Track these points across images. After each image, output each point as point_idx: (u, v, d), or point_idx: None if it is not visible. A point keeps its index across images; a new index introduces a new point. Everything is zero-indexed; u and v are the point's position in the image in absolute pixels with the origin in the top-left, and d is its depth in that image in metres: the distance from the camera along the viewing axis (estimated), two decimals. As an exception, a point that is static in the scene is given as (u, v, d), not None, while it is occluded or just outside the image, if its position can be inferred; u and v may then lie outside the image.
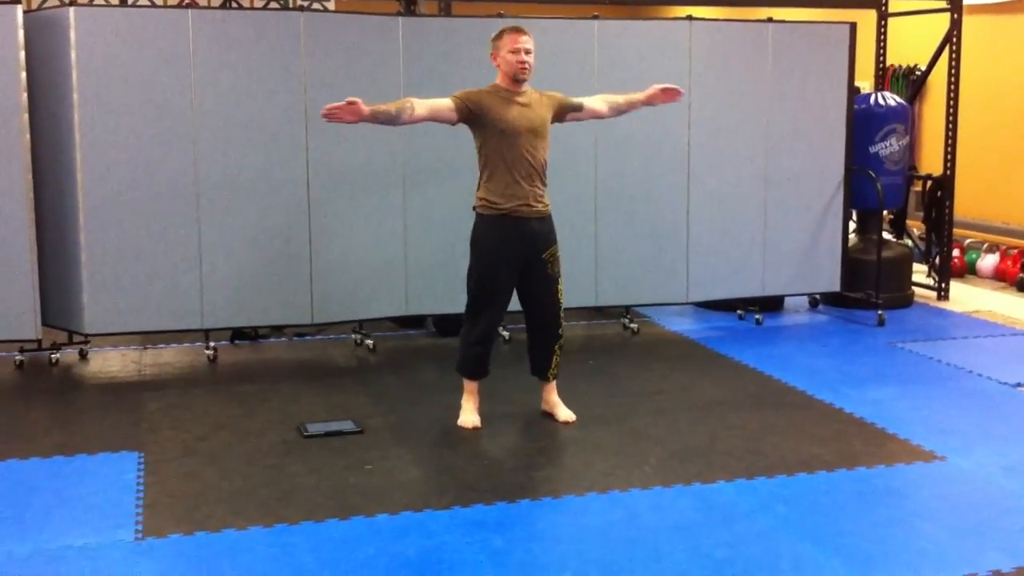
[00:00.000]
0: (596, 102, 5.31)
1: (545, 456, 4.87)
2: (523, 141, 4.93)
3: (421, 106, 4.90)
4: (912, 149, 8.70)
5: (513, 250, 5.00)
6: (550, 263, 5.08)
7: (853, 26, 7.43)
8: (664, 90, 5.37)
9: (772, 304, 7.73)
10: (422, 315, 6.95)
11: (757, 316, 7.43)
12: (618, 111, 5.43)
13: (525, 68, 4.92)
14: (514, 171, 4.93)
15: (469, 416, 5.16)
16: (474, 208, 5.06)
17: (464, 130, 5.08)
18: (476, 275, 5.06)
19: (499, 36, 4.97)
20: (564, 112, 5.18)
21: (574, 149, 6.72)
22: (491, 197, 4.96)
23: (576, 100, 5.23)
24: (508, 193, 4.93)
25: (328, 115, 4.76)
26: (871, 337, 7.03)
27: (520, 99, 4.96)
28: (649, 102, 5.43)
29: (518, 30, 4.95)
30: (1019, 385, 5.89)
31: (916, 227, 9.10)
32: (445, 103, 4.92)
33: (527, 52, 4.92)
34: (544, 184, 5.06)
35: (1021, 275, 8.81)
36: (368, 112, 4.77)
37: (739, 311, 7.55)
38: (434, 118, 4.97)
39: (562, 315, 5.18)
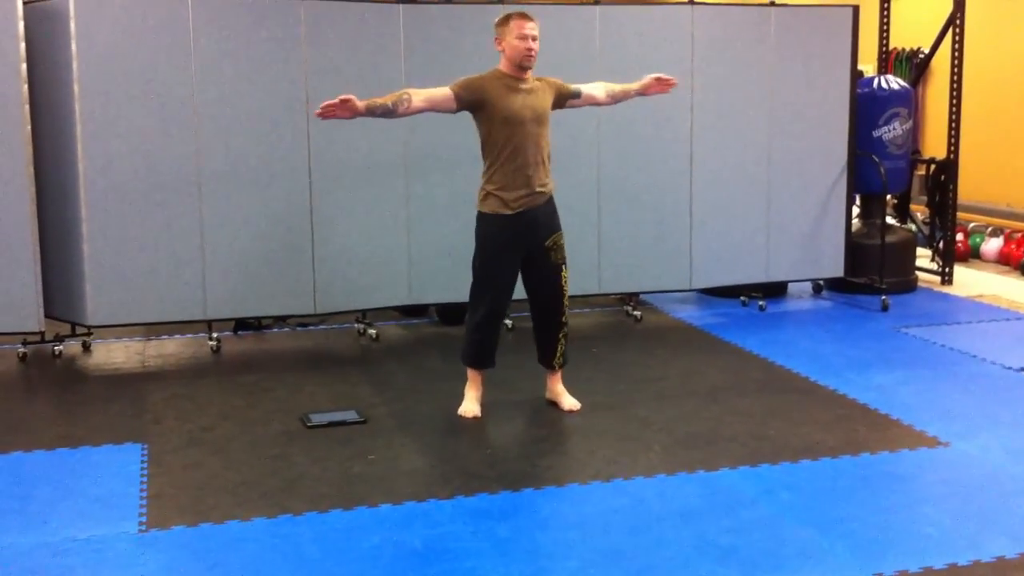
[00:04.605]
0: (594, 89, 5.30)
1: (549, 444, 4.87)
2: (527, 129, 4.90)
3: (418, 97, 4.85)
4: (915, 133, 8.67)
5: (517, 241, 4.99)
6: (552, 251, 5.06)
7: (856, 9, 7.41)
8: (658, 79, 5.40)
9: (776, 290, 7.72)
10: (425, 304, 6.94)
11: (761, 302, 7.42)
12: (615, 99, 5.43)
13: (532, 55, 4.89)
14: (519, 159, 4.89)
15: (470, 406, 5.16)
16: (479, 200, 5.00)
17: (466, 118, 5.06)
18: (478, 263, 5.05)
19: (505, 21, 4.90)
20: (563, 99, 5.15)
21: (576, 134, 6.70)
22: (497, 187, 4.92)
23: (574, 87, 5.20)
24: (513, 182, 4.90)
25: (323, 114, 4.72)
26: (875, 322, 7.02)
27: (523, 86, 4.93)
28: (643, 92, 5.45)
29: (525, 16, 4.90)
30: (1024, 369, 5.89)
31: (920, 211, 9.07)
32: (443, 92, 4.87)
33: (534, 39, 4.88)
34: (548, 172, 5.04)
35: (1025, 258, 8.79)
36: (363, 107, 4.74)
37: (743, 297, 7.54)
38: (433, 108, 4.93)
39: (566, 303, 5.16)
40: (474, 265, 5.09)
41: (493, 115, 4.87)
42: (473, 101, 4.88)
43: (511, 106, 4.86)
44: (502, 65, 4.95)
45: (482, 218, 5.00)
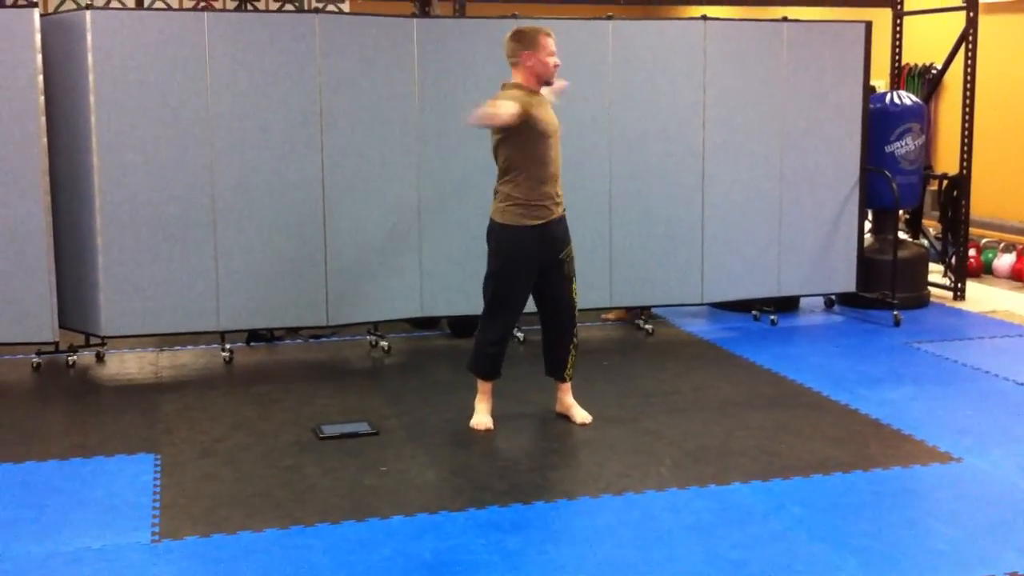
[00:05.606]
0: None
1: (559, 457, 4.87)
2: (554, 142, 4.96)
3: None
4: (928, 148, 8.66)
5: (535, 256, 5.01)
6: (566, 263, 5.10)
7: (868, 25, 7.41)
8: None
9: (787, 304, 7.71)
10: (437, 316, 6.95)
11: (772, 317, 7.41)
12: None
13: (557, 70, 4.99)
14: (546, 172, 4.93)
15: (482, 418, 5.16)
16: (499, 211, 4.97)
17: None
18: (497, 280, 5.03)
19: (535, 39, 4.90)
20: None
21: (588, 148, 6.72)
22: (522, 200, 4.90)
23: None
24: (536, 196, 4.92)
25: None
26: (887, 337, 7.00)
27: (541, 99, 4.97)
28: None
29: (549, 33, 4.96)
30: (1036, 385, 5.87)
31: (932, 227, 9.06)
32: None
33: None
34: (561, 184, 5.08)
35: (1038, 274, 8.76)
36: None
37: (754, 312, 7.53)
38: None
39: (576, 314, 5.19)
40: (493, 279, 5.05)
41: (534, 128, 4.84)
42: (527, 115, 4.80)
43: (547, 119, 4.91)
44: (522, 79, 4.94)
45: (504, 230, 4.96)
